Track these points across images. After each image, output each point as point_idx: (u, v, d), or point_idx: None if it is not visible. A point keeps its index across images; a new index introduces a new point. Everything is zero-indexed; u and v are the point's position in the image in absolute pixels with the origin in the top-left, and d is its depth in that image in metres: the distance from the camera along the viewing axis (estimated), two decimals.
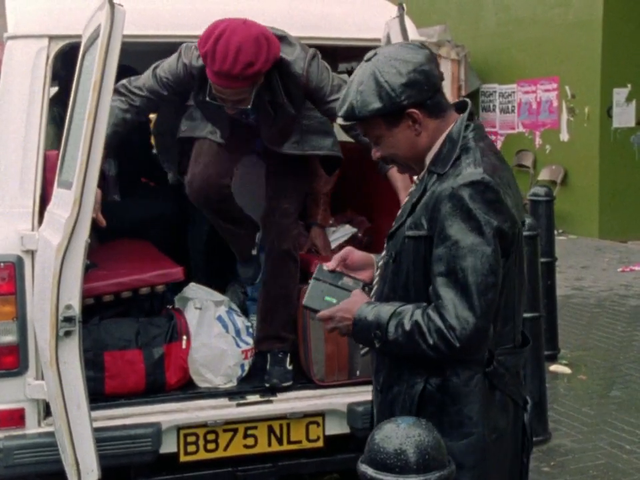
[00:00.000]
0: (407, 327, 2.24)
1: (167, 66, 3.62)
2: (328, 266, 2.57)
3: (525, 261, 2.44)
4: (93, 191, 3.07)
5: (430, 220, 2.27)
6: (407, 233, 2.35)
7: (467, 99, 2.46)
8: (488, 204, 2.21)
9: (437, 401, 2.33)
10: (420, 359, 2.30)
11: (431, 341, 2.21)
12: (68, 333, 3.09)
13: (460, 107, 2.43)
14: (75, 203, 3.03)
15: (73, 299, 3.09)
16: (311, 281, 2.57)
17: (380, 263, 2.53)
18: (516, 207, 2.31)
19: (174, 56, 3.62)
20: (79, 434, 3.12)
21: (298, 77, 3.53)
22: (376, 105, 2.29)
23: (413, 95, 2.28)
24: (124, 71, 3.70)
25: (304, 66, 3.51)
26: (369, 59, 2.35)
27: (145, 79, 3.66)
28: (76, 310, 3.10)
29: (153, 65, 3.67)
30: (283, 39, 3.54)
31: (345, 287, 2.54)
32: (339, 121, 2.42)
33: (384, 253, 2.50)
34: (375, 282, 2.54)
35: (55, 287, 3.06)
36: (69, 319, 3.08)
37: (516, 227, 2.29)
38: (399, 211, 2.48)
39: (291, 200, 4.00)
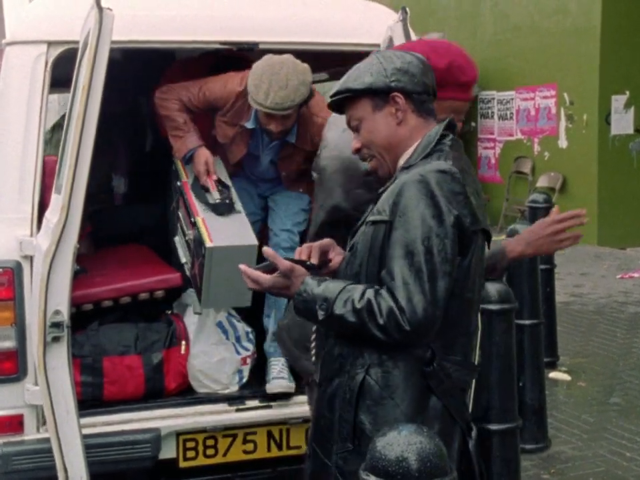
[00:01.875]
0: (358, 304, 2.20)
1: None
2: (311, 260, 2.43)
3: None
4: (82, 196, 3.05)
5: (392, 204, 2.26)
6: (368, 219, 2.34)
7: (452, 118, 2.47)
8: (452, 194, 2.22)
9: (376, 393, 2.28)
10: (362, 347, 2.27)
11: (381, 321, 2.17)
12: (56, 339, 3.08)
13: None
14: (63, 208, 3.02)
15: (61, 305, 3.08)
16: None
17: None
18: (482, 215, 2.31)
19: None
20: (67, 440, 3.11)
21: None
22: (366, 79, 2.37)
23: (403, 80, 2.36)
24: None
25: None
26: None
27: None
28: (65, 315, 3.08)
29: None
30: None
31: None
32: (328, 100, 2.47)
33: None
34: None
35: (42, 292, 3.04)
36: (57, 325, 3.07)
37: (477, 225, 2.28)
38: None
39: None
